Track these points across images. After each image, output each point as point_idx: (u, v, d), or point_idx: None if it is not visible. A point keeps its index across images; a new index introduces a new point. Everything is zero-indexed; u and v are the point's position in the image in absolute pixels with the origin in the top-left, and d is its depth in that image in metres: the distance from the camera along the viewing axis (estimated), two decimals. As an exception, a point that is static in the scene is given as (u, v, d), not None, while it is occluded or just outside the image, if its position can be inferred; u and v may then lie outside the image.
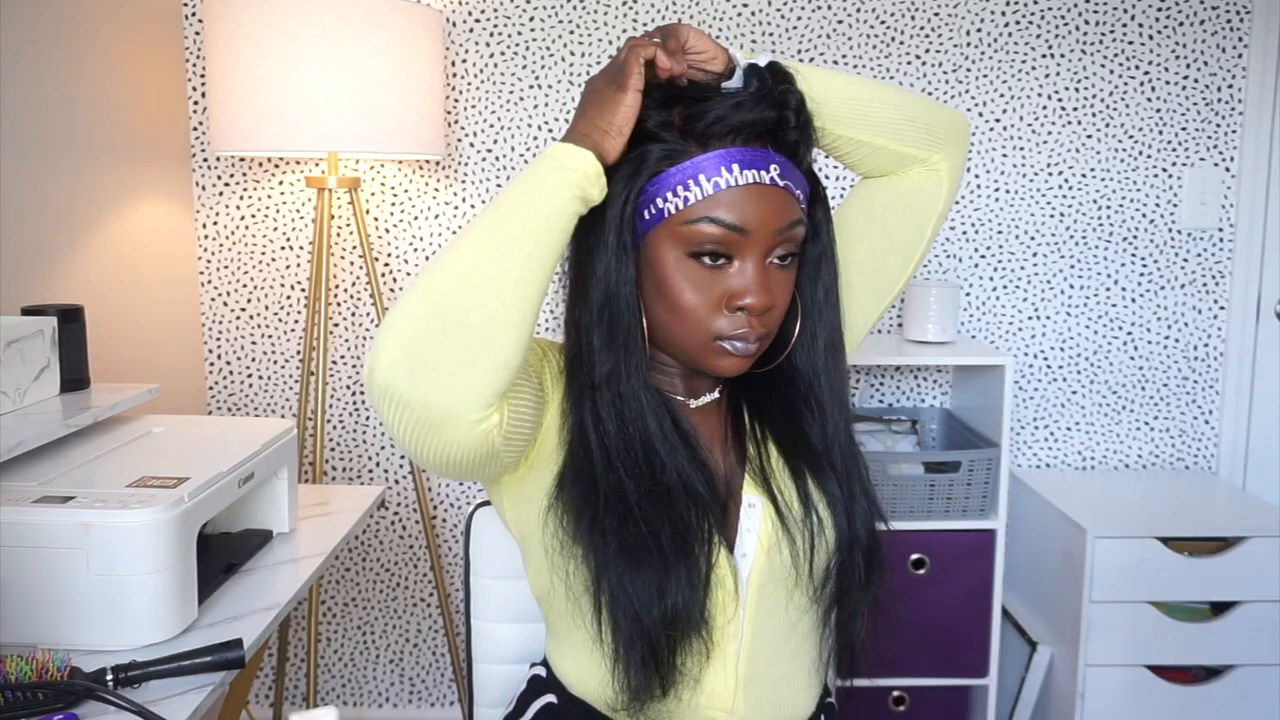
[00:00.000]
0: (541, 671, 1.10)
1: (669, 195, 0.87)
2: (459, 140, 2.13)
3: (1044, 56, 2.12)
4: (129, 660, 0.95)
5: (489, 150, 2.13)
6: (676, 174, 0.86)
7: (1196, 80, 2.13)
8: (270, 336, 2.19)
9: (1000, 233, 2.17)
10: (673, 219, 0.87)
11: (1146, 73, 2.13)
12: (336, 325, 2.18)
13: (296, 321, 2.18)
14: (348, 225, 2.14)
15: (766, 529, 0.96)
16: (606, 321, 0.89)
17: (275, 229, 2.15)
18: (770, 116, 0.87)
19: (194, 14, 2.09)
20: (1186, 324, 2.20)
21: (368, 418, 2.21)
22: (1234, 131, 2.14)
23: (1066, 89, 2.13)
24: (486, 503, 1.28)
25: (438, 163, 2.13)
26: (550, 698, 1.08)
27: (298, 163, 2.13)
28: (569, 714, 1.04)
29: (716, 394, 1.02)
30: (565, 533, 0.93)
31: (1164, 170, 2.15)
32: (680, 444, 0.93)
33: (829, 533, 0.97)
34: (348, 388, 2.20)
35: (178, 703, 0.93)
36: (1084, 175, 2.16)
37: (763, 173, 0.87)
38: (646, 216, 0.88)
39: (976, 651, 1.96)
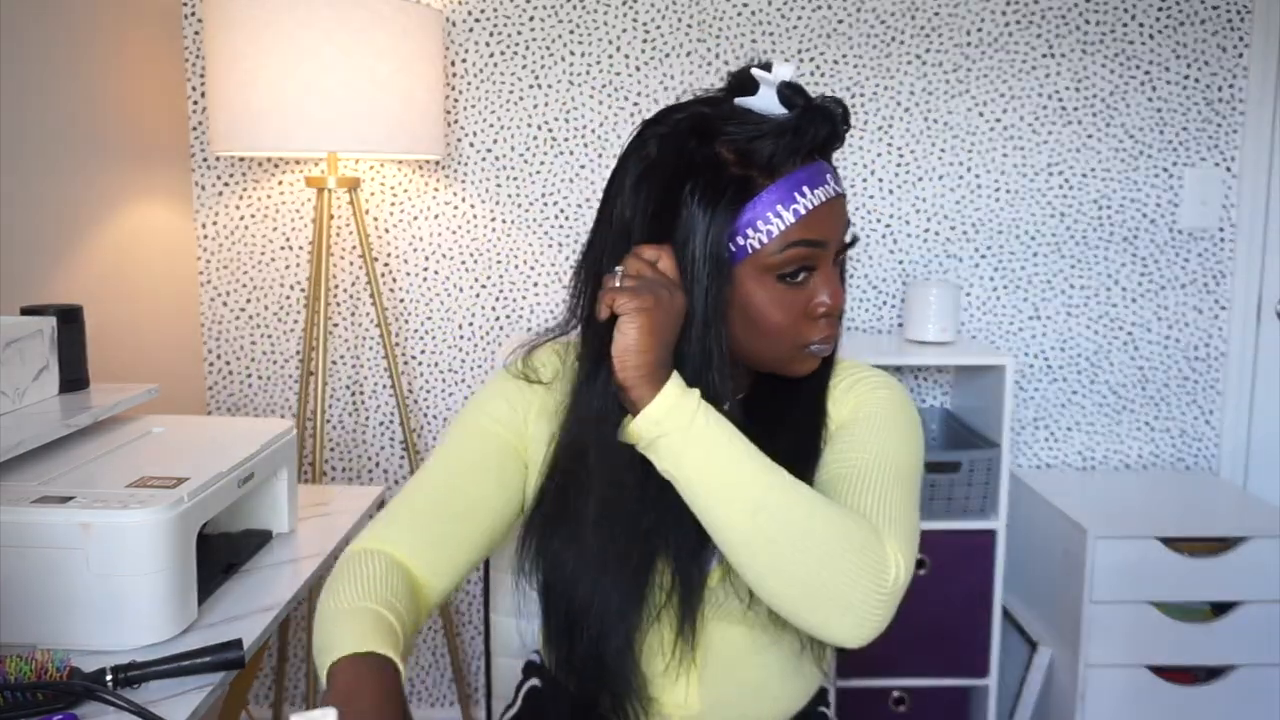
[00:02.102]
0: (536, 658, 1.16)
1: (749, 232, 0.88)
2: (459, 140, 2.13)
3: (1044, 56, 2.12)
4: (129, 660, 0.95)
5: (489, 150, 2.13)
6: (752, 210, 0.87)
7: (1197, 80, 2.13)
8: (270, 336, 2.18)
9: (1000, 233, 2.17)
10: (757, 254, 0.88)
11: (1147, 73, 2.12)
12: (336, 325, 2.18)
13: (296, 321, 2.18)
14: (347, 225, 2.14)
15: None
16: (701, 365, 0.90)
17: (275, 229, 2.15)
18: (825, 132, 0.88)
19: (194, 14, 2.08)
20: (1187, 324, 2.20)
21: (367, 418, 2.21)
22: (1234, 131, 2.14)
23: (1066, 89, 2.13)
24: None
25: (438, 163, 2.13)
26: (535, 681, 1.14)
27: (297, 163, 2.13)
28: (551, 697, 1.10)
29: (726, 406, 1.00)
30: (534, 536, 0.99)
31: (1164, 170, 2.15)
32: None
33: None
34: (347, 388, 2.20)
35: (177, 703, 0.93)
36: (1084, 175, 2.16)
37: (828, 187, 0.89)
38: (727, 256, 0.88)
39: (976, 651, 1.96)
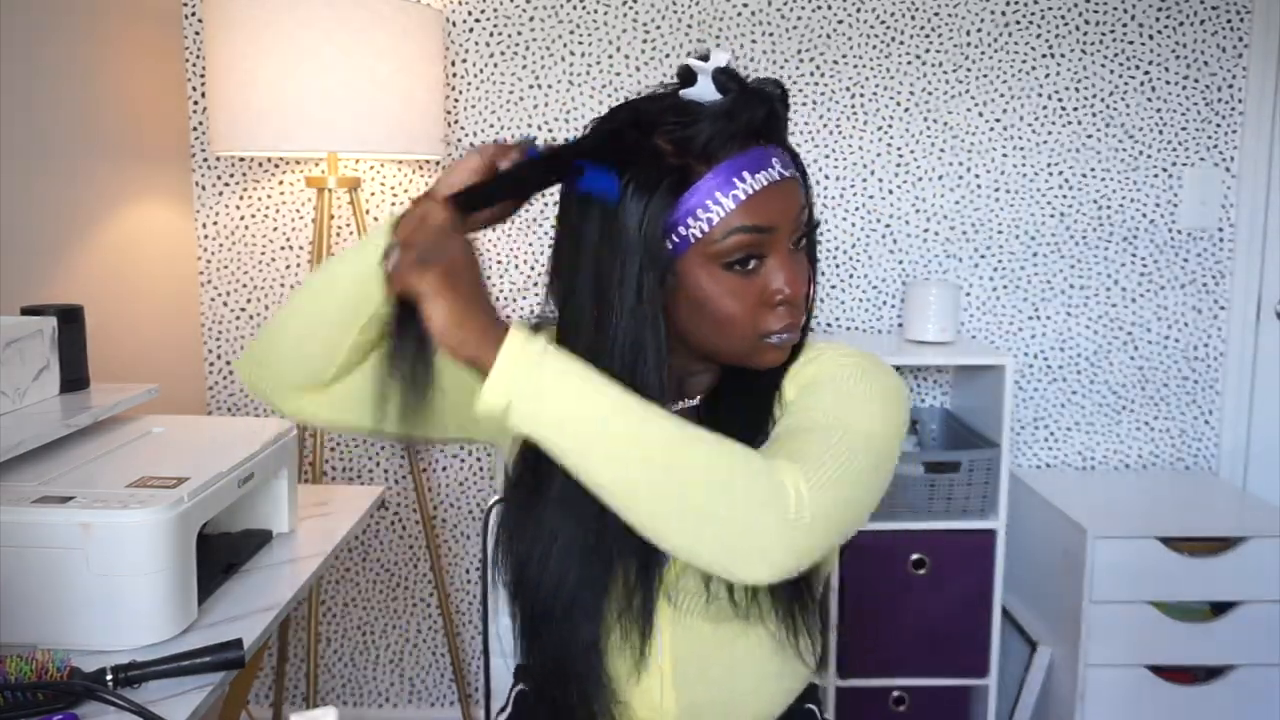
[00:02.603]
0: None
1: (690, 221, 0.86)
2: (459, 140, 2.13)
3: (1044, 56, 2.12)
4: (129, 660, 0.95)
5: (489, 150, 2.13)
6: (691, 198, 0.85)
7: (1196, 80, 2.13)
8: (270, 336, 2.18)
9: (1000, 233, 2.17)
10: (700, 243, 0.86)
11: (1146, 73, 2.13)
12: (336, 325, 2.18)
13: (296, 321, 2.18)
14: (348, 225, 2.14)
15: None
16: (630, 358, 0.87)
17: (275, 229, 2.15)
18: (762, 114, 0.87)
19: (194, 14, 2.09)
20: (1186, 324, 2.20)
21: (368, 418, 2.21)
22: (1234, 131, 2.14)
23: (1066, 89, 2.13)
24: (503, 499, 1.28)
25: (438, 163, 2.13)
26: (523, 686, 1.13)
27: (298, 163, 2.13)
28: (535, 700, 1.09)
29: (696, 400, 0.99)
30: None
31: (1164, 170, 2.15)
32: None
33: None
34: (348, 388, 2.20)
35: (178, 703, 0.93)
36: (1084, 175, 2.16)
37: (771, 170, 0.87)
38: (669, 246, 0.87)
39: (976, 651, 1.96)
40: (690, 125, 0.86)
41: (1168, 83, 2.13)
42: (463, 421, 1.00)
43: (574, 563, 0.92)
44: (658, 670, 0.98)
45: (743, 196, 0.86)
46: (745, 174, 0.86)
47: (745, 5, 2.09)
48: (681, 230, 0.86)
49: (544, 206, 2.14)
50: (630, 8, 2.09)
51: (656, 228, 0.85)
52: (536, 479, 0.93)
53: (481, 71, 2.11)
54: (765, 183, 0.87)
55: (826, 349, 0.98)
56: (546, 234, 2.15)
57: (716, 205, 0.86)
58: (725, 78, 0.86)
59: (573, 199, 0.90)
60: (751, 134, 0.87)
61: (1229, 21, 2.11)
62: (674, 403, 0.96)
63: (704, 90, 0.88)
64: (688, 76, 0.89)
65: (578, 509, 0.90)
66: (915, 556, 1.94)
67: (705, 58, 0.87)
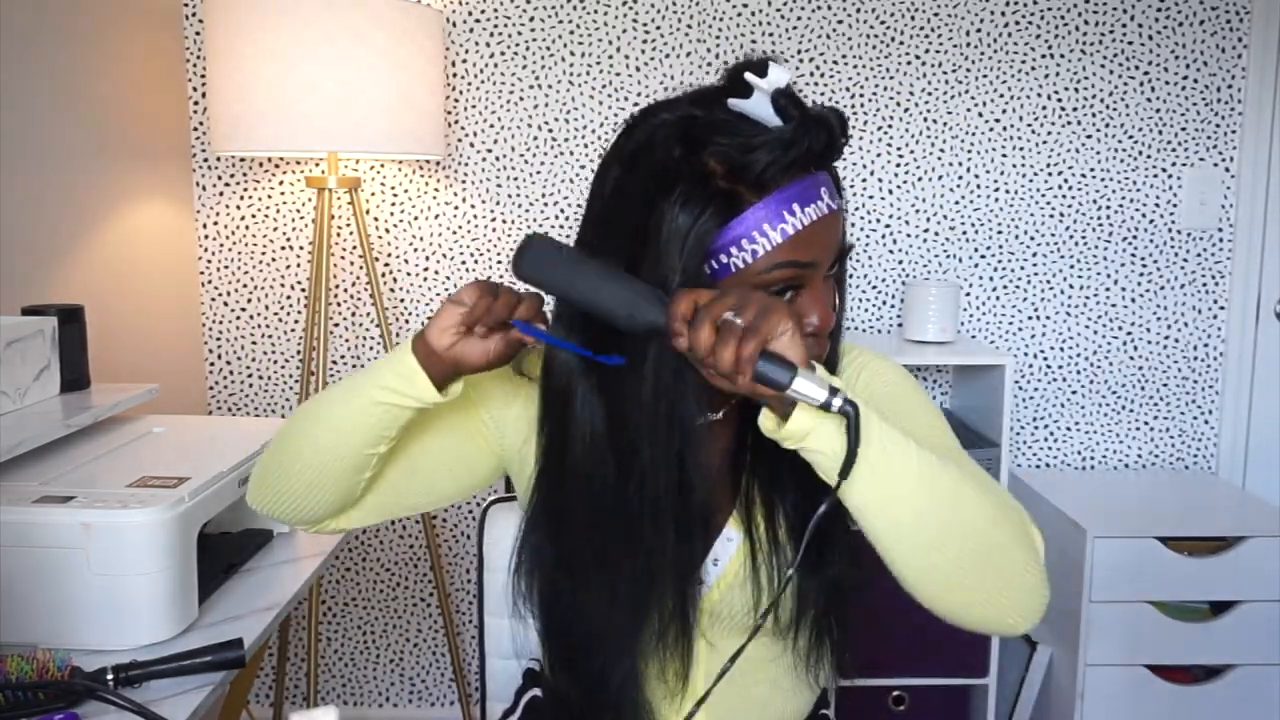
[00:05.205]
0: (535, 665, 1.15)
1: (733, 250, 0.81)
2: (459, 140, 2.13)
3: (1044, 56, 2.12)
4: (129, 660, 0.95)
5: (489, 150, 2.13)
6: (738, 227, 0.81)
7: (1196, 80, 2.13)
8: (270, 336, 2.19)
9: (1000, 233, 2.17)
10: (741, 272, 0.82)
11: (1146, 73, 2.13)
12: (336, 325, 2.18)
13: (296, 321, 2.18)
14: (348, 225, 2.14)
15: (734, 566, 0.95)
16: (670, 380, 0.84)
17: (275, 229, 2.15)
18: (821, 143, 0.81)
19: (194, 14, 2.09)
20: (1186, 324, 2.20)
21: (368, 418, 2.21)
22: (1234, 131, 2.14)
23: (1066, 89, 2.13)
24: (498, 500, 1.29)
25: (438, 163, 2.13)
26: (537, 692, 1.13)
27: (298, 163, 2.13)
28: (553, 708, 1.08)
29: (720, 415, 0.96)
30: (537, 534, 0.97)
31: (1164, 170, 2.15)
32: (688, 471, 0.89)
33: (793, 585, 0.95)
34: (348, 388, 2.20)
35: (178, 703, 0.93)
36: (1084, 175, 2.16)
37: (820, 203, 0.83)
38: (708, 271, 0.82)
39: (976, 651, 1.96)
40: (747, 152, 0.80)
41: (1167, 83, 2.13)
42: (461, 488, 1.02)
43: (610, 593, 0.90)
44: (692, 694, 0.98)
45: (790, 231, 0.81)
46: (795, 207, 0.82)
47: (745, 5, 2.10)
48: (723, 258, 0.82)
49: (545, 205, 2.15)
50: (630, 8, 2.09)
51: (701, 253, 0.81)
52: (557, 507, 0.92)
53: (481, 71, 2.11)
54: (814, 217, 0.82)
55: (850, 361, 0.97)
56: (547, 234, 2.15)
57: (763, 238, 0.81)
58: (786, 101, 0.80)
59: (607, 216, 0.89)
60: (806, 163, 0.83)
61: (1229, 21, 2.11)
62: (705, 412, 0.94)
63: (758, 107, 0.82)
64: (739, 85, 0.83)
65: (611, 539, 0.89)
66: (915, 556, 1.94)
67: (761, 67, 0.81)
